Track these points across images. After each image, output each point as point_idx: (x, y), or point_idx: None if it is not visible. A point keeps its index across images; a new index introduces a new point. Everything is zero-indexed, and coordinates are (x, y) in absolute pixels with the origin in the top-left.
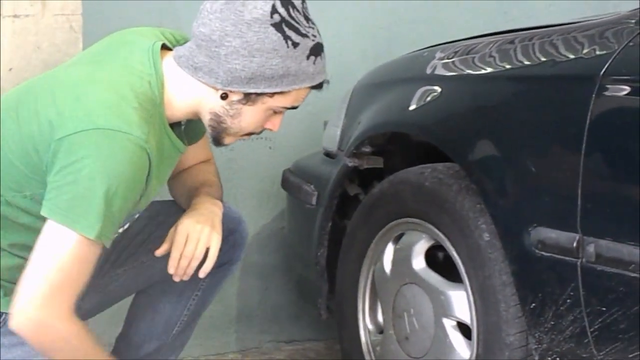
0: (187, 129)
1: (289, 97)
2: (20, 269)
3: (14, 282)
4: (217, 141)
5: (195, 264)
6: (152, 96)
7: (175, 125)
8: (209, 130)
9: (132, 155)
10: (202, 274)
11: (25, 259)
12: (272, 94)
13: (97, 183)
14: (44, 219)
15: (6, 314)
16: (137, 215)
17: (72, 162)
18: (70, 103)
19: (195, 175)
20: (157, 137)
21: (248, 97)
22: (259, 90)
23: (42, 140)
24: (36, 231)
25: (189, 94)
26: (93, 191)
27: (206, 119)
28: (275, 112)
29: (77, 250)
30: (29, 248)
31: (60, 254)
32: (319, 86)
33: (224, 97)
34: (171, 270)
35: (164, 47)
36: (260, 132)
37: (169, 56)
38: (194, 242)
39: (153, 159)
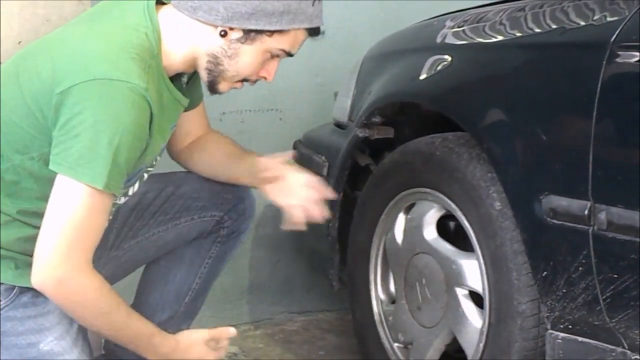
0: (186, 91)
1: (287, 38)
2: (31, 240)
3: (25, 254)
4: (212, 87)
5: None
6: (149, 47)
7: (175, 79)
8: (205, 75)
9: (132, 103)
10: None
11: (37, 228)
12: (272, 33)
13: (100, 133)
14: (51, 186)
15: (19, 287)
16: (145, 176)
17: (74, 115)
18: (68, 57)
19: (224, 143)
20: (157, 88)
21: (247, 35)
22: (259, 27)
23: (44, 97)
24: (44, 199)
25: (186, 38)
26: (97, 142)
27: (203, 61)
28: (272, 56)
29: (88, 202)
30: (39, 215)
31: (72, 207)
32: (315, 31)
33: (224, 34)
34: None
35: (159, 2)
36: (255, 80)
37: (165, 8)
38: None
39: (154, 108)
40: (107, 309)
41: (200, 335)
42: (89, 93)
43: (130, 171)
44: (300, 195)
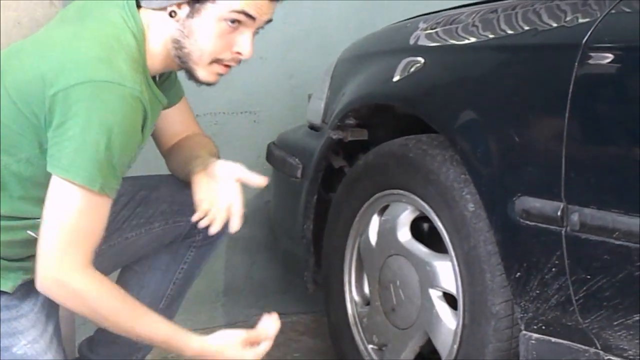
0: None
1: None
2: (5, 245)
3: (6, 258)
4: (191, 76)
5: None
6: (137, 47)
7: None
8: (178, 65)
9: (127, 106)
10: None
11: (12, 232)
12: None
13: (95, 135)
14: (34, 188)
15: None
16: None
17: (69, 116)
18: (61, 58)
19: (194, 143)
20: (145, 88)
21: (193, 8)
22: None
23: (35, 98)
24: (26, 201)
25: (158, 35)
26: (92, 144)
27: (172, 51)
28: (233, 25)
29: (84, 203)
30: (17, 219)
31: (68, 210)
32: None
33: (174, 15)
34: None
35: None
36: (234, 59)
37: (142, 9)
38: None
39: (148, 109)
40: (110, 311)
41: (236, 338)
42: (84, 95)
43: (124, 173)
44: (219, 195)
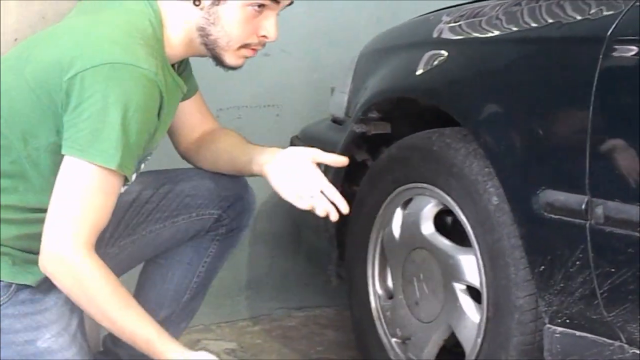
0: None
1: None
2: (30, 237)
3: (23, 250)
4: (219, 62)
5: None
6: (153, 33)
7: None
8: (205, 52)
9: (143, 87)
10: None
11: (36, 224)
12: None
13: (112, 115)
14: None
15: (17, 284)
16: (143, 166)
17: (85, 98)
18: (77, 44)
19: (230, 135)
20: (163, 73)
21: None
22: None
23: (53, 85)
24: (48, 192)
25: (179, 22)
26: (109, 123)
27: (198, 39)
28: (258, 9)
29: (96, 180)
30: (40, 211)
31: (81, 187)
32: None
33: (197, 3)
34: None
35: None
36: (260, 43)
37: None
38: None
39: (164, 92)
40: (100, 296)
41: None
42: (100, 77)
43: (140, 155)
44: (306, 183)
